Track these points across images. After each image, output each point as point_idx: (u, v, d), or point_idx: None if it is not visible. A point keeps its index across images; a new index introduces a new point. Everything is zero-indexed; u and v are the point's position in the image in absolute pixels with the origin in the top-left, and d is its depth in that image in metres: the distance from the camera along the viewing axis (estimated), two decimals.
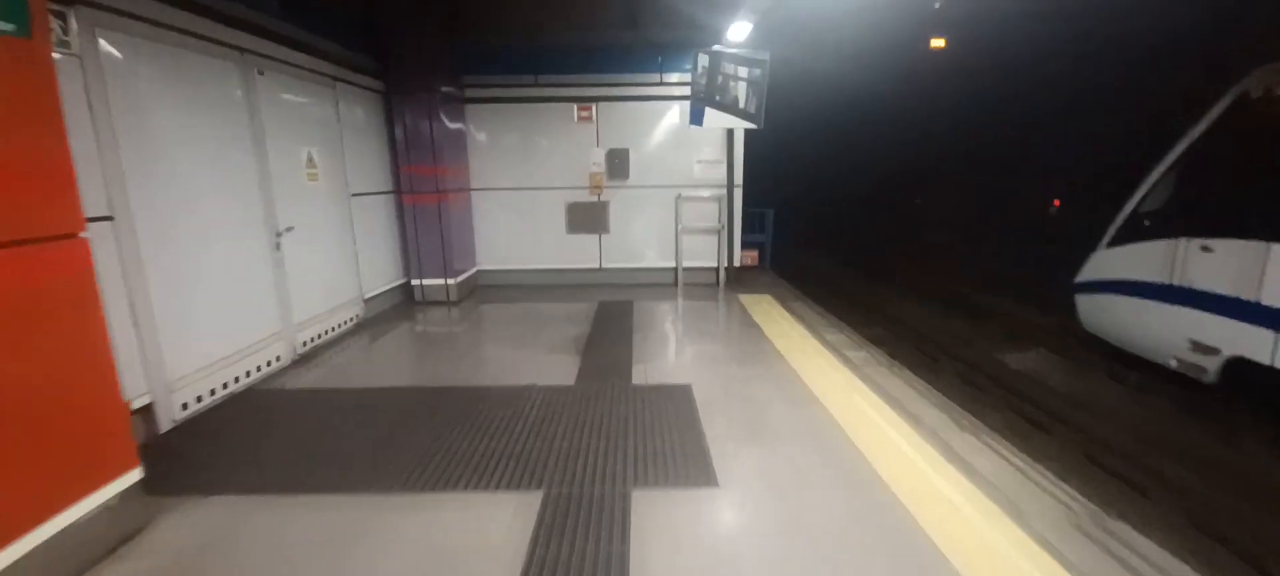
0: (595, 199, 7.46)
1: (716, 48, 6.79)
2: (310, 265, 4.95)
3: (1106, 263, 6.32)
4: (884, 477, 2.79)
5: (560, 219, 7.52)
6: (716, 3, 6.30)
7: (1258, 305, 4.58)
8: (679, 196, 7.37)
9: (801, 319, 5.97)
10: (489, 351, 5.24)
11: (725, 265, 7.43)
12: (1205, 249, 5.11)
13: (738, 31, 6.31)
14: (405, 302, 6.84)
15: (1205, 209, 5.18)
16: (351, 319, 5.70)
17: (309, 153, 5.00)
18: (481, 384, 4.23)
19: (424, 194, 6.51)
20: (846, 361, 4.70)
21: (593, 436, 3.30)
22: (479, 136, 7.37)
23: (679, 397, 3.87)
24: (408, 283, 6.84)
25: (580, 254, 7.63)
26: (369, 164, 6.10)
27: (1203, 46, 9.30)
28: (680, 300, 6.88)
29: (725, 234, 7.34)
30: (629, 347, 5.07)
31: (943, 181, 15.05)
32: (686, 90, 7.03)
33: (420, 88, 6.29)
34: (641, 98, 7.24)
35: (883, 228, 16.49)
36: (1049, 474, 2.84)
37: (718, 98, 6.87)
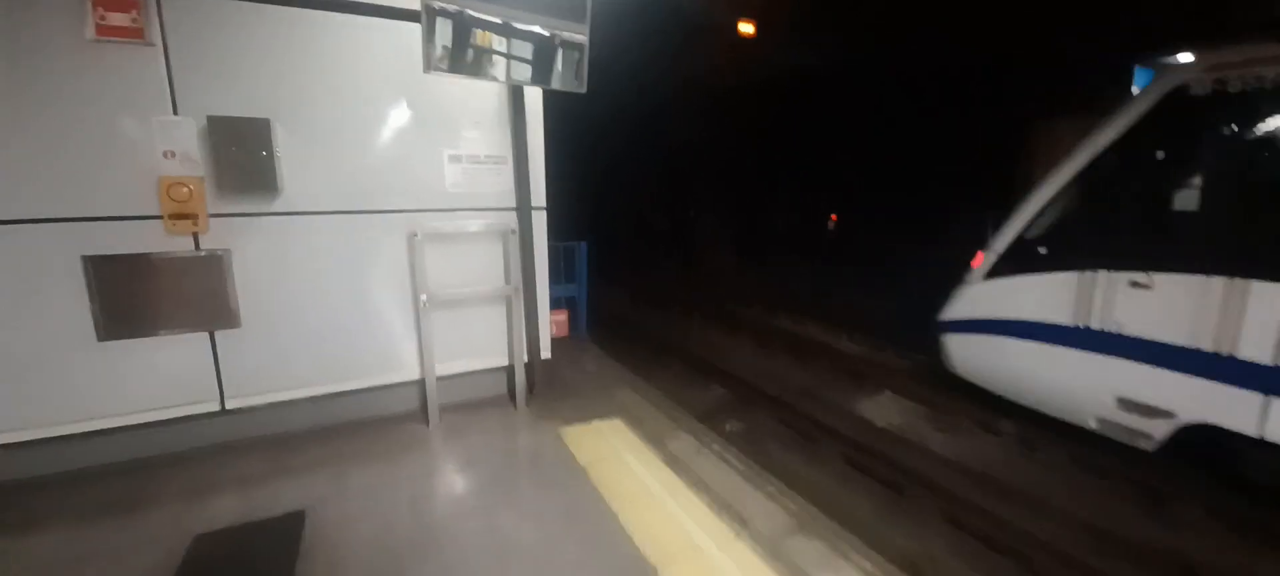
0: (191, 243, 3.01)
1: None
2: None
3: (986, 298, 5.22)
4: None
5: (71, 301, 2.81)
6: None
7: (1232, 360, 3.59)
8: (414, 234, 3.50)
9: (714, 492, 2.98)
10: None
11: (525, 359, 3.91)
12: (1137, 284, 4.10)
13: None
14: None
15: (1134, 234, 4.20)
16: None
17: None
18: None
19: None
20: None
21: None
22: None
23: None
24: None
25: (151, 385, 3.05)
26: None
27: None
28: (434, 474, 3.10)
29: (521, 298, 3.81)
30: None
31: (711, 195, 14.53)
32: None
33: None
34: None
35: (666, 244, 15.23)
36: None
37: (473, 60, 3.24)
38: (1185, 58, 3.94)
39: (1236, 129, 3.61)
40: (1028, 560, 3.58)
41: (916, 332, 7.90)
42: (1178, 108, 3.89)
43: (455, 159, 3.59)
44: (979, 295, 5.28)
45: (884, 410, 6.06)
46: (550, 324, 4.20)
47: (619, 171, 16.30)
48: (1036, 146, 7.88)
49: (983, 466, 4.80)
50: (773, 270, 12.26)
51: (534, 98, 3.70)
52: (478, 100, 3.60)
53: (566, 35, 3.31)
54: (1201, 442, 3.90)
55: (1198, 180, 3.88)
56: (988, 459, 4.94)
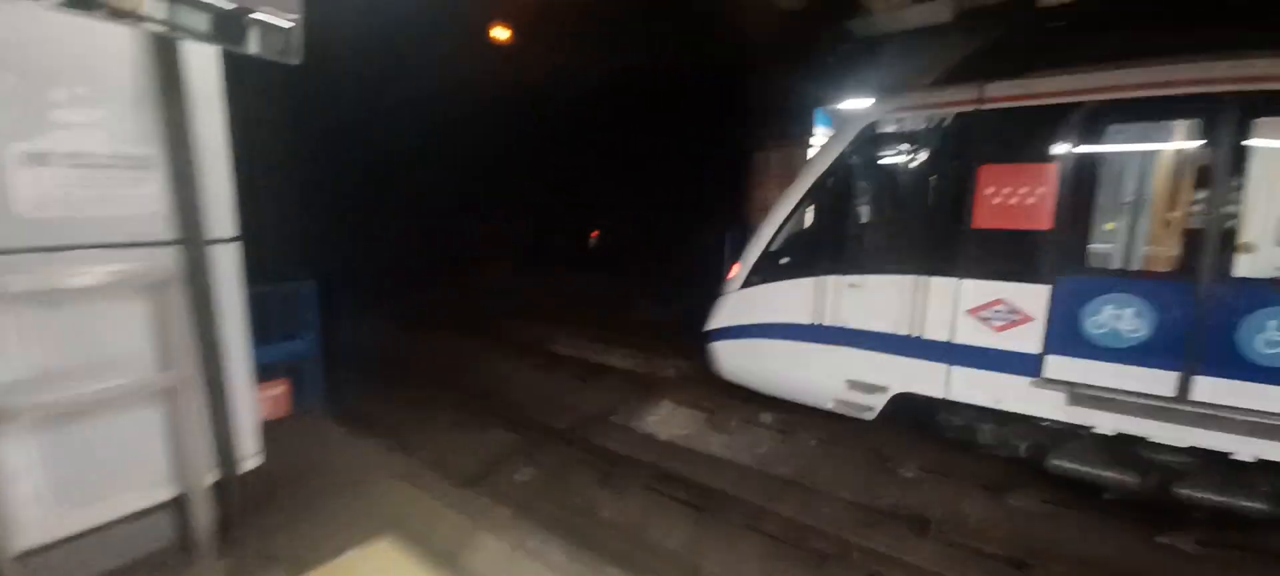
0: None
1: None
2: None
3: (743, 306, 5.73)
4: None
5: None
6: None
7: (921, 340, 4.58)
8: None
9: None
10: None
11: (212, 478, 2.52)
12: (854, 286, 4.96)
13: None
14: None
15: (847, 243, 5.04)
16: None
17: None
18: None
19: None
20: None
21: None
22: None
23: None
24: None
25: None
26: None
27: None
28: None
29: (198, 386, 2.44)
30: None
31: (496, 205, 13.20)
32: None
33: None
34: None
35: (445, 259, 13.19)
36: None
37: None
38: (861, 103, 4.90)
39: (913, 158, 4.61)
40: (821, 556, 3.88)
41: (680, 340, 8.51)
42: (871, 140, 4.81)
43: (37, 158, 2.10)
44: (737, 304, 5.75)
45: (668, 423, 6.19)
46: (257, 409, 2.88)
47: (396, 180, 13.85)
48: (756, 172, 9.34)
49: (758, 463, 5.23)
50: (551, 285, 11.93)
51: (205, 63, 2.44)
52: (96, 56, 2.18)
53: None
54: (906, 408, 4.87)
55: (888, 197, 4.87)
56: (760, 454, 5.42)
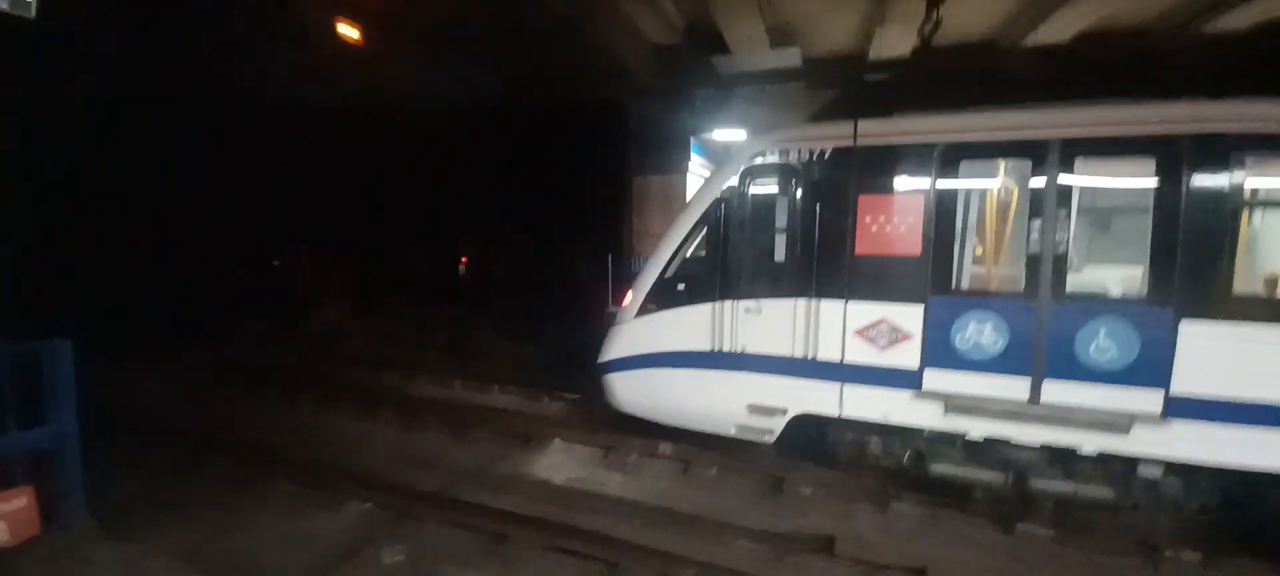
0: None
1: None
2: None
3: (640, 334, 5.49)
4: None
5: None
6: None
7: (815, 361, 4.72)
8: None
9: None
10: None
11: None
12: (750, 311, 4.98)
13: None
14: None
15: (743, 270, 5.05)
16: None
17: None
18: None
19: None
20: None
21: None
22: None
23: None
24: None
25: None
26: None
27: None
28: None
29: None
30: None
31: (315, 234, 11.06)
32: None
33: None
34: None
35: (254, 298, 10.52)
36: None
37: None
38: (734, 135, 4.99)
39: (799, 187, 4.77)
40: None
41: (561, 372, 8.01)
42: (758, 170, 4.91)
43: None
44: (632, 333, 5.48)
45: (560, 465, 5.65)
46: None
47: (187, 199, 10.83)
48: (635, 198, 9.31)
49: (662, 500, 4.92)
50: (401, 320, 10.45)
51: None
52: None
53: None
54: (799, 430, 4.96)
55: (779, 224, 4.99)
56: (662, 490, 5.13)
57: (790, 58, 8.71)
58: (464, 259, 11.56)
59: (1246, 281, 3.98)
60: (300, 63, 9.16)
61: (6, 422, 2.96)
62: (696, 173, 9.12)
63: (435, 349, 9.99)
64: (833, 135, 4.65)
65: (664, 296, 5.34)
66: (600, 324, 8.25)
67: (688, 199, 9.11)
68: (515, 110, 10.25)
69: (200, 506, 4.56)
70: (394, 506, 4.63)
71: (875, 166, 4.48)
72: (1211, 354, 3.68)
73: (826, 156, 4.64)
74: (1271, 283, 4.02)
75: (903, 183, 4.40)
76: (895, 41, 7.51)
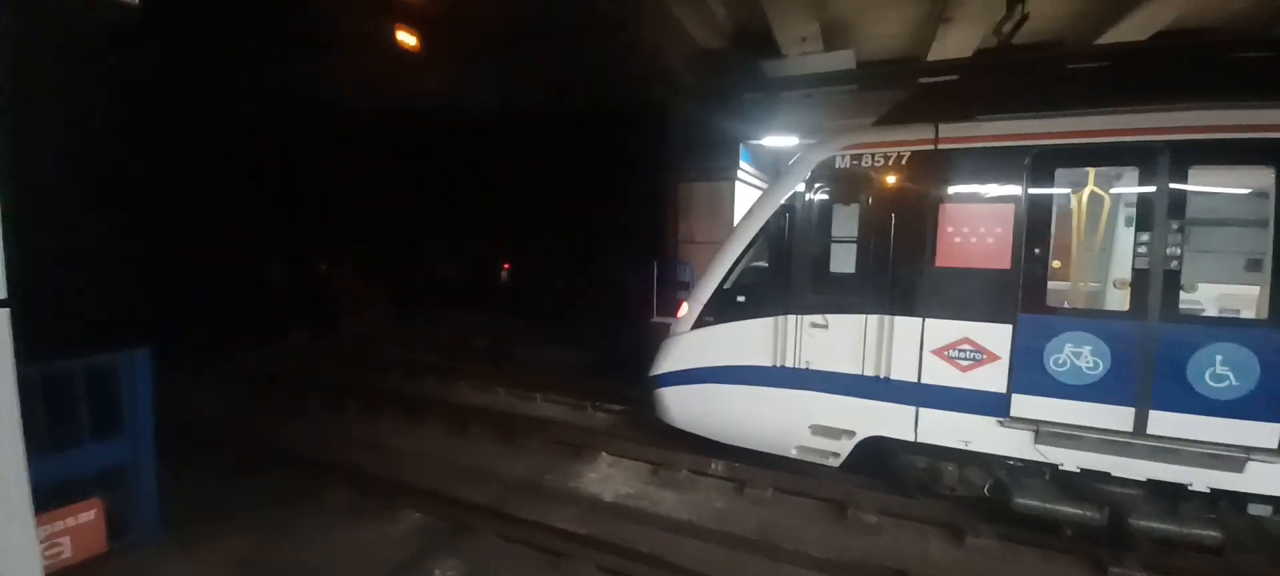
0: None
1: None
2: None
3: (695, 348, 5.28)
4: None
5: None
6: None
7: (888, 382, 4.43)
8: None
9: None
10: None
11: None
12: (816, 326, 4.73)
13: None
14: None
15: (808, 281, 4.80)
16: None
17: None
18: None
19: None
20: None
21: None
22: None
23: None
24: None
25: None
26: None
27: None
28: None
29: None
30: None
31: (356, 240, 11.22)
32: None
33: None
34: None
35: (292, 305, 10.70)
36: None
37: None
38: (787, 140, 4.74)
39: (872, 195, 4.51)
40: None
41: (607, 381, 7.86)
42: (827, 177, 4.65)
43: None
44: (687, 347, 5.28)
45: (610, 481, 5.47)
46: (36, 553, 1.74)
47: (238, 201, 11.07)
48: (681, 204, 9.12)
49: (719, 522, 4.70)
50: (443, 327, 10.46)
51: None
52: None
53: None
54: (866, 453, 4.68)
55: (848, 232, 4.73)
56: (718, 511, 4.91)
57: (844, 60, 8.42)
58: (506, 265, 11.54)
59: None
60: (344, 68, 9.30)
61: (81, 434, 2.94)
62: (744, 180, 8.87)
63: (477, 354, 9.98)
64: (911, 138, 4.37)
65: (723, 309, 5.13)
66: (644, 331, 8.11)
67: (736, 206, 8.93)
68: (558, 115, 10.20)
69: (254, 515, 4.55)
70: (449, 518, 4.54)
71: (959, 172, 4.18)
72: None
73: (904, 161, 4.37)
74: None
75: (990, 189, 4.10)
76: (961, 41, 7.16)
